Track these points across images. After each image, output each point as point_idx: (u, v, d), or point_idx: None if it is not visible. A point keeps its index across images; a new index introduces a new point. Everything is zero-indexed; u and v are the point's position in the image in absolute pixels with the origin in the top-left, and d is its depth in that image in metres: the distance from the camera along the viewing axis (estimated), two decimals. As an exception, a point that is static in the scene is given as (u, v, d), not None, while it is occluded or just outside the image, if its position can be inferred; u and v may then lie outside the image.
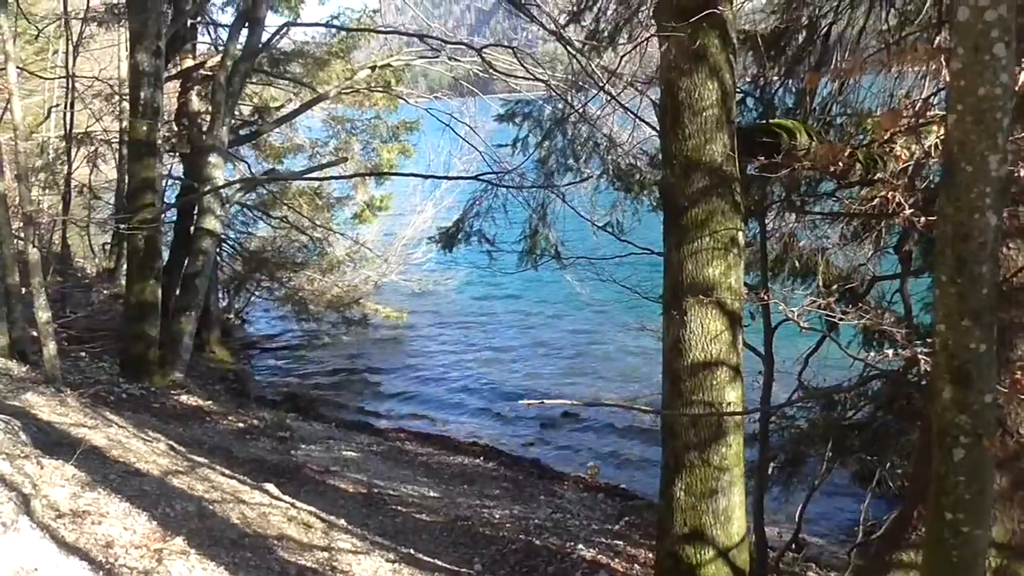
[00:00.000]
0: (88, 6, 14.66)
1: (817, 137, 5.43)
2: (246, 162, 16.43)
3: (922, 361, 4.00)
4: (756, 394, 6.22)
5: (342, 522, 6.18)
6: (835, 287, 6.54)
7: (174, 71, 13.79)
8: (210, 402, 10.83)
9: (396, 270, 18.84)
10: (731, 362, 4.74)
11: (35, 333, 9.12)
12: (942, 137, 3.77)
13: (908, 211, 3.83)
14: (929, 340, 3.94)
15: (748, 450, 5.33)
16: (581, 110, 7.91)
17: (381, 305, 17.43)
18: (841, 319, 4.79)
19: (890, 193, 3.94)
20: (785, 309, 4.63)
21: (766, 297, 5.32)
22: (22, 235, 9.66)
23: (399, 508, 7.20)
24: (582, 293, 13.53)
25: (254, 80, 15.07)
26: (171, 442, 7.52)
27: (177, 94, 14.44)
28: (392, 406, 13.67)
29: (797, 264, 6.99)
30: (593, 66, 7.23)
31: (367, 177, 16.23)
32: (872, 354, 5.51)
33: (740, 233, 4.81)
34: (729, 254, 4.69)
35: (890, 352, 4.61)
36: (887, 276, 6.57)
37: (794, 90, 6.55)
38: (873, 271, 6.68)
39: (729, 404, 4.74)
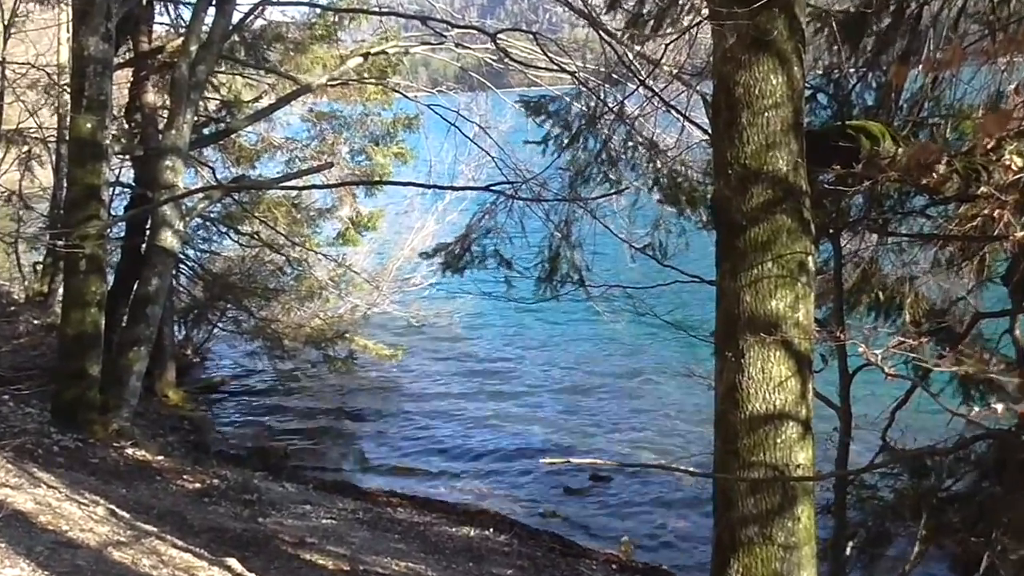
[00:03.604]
0: (24, -20, 14.89)
1: (904, 142, 5.40)
2: (211, 167, 16.56)
3: (1038, 419, 3.95)
4: (830, 455, 6.15)
5: (319, 607, 6.15)
6: (927, 325, 6.49)
7: (126, 58, 13.95)
8: (161, 457, 10.82)
9: (389, 299, 18.82)
10: (799, 415, 4.69)
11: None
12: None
13: (1019, 233, 3.80)
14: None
15: (820, 524, 5.26)
16: (617, 108, 7.92)
17: (371, 341, 17.40)
18: (936, 365, 4.74)
19: (996, 211, 3.92)
20: (865, 351, 4.58)
21: (842, 336, 5.29)
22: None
23: (389, 591, 7.16)
24: (615, 329, 13.55)
25: (222, 69, 15.21)
26: (112, 506, 7.50)
27: (129, 85, 14.59)
28: (382, 464, 13.60)
29: (880, 296, 6.95)
30: (631, 55, 7.26)
31: (356, 186, 16.28)
32: (975, 409, 5.44)
33: (810, 257, 4.77)
34: (796, 283, 4.65)
35: (999, 407, 4.54)
36: (993, 313, 6.50)
37: (876, 85, 6.54)
38: (975, 306, 6.62)
39: (797, 467, 4.68)
